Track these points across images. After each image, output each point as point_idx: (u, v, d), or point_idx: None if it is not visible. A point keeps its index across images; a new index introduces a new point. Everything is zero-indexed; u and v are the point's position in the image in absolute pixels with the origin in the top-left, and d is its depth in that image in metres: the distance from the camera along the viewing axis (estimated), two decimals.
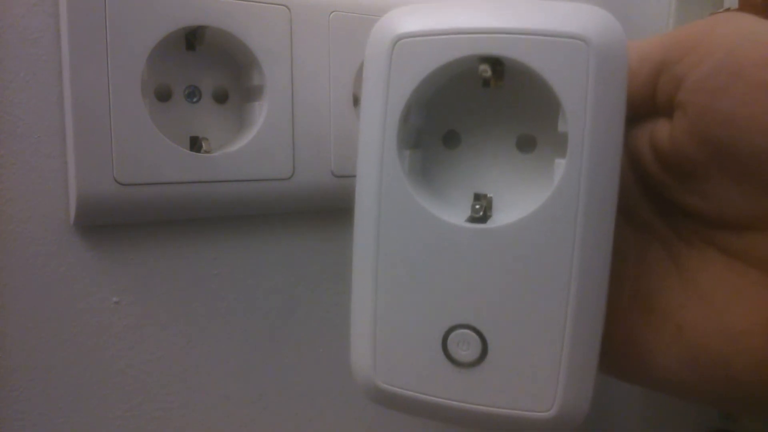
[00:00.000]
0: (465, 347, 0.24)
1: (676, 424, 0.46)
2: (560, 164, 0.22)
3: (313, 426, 0.41)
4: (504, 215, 0.24)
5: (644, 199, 0.26)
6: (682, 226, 0.25)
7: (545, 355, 0.23)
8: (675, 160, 0.23)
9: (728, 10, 0.39)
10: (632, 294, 0.25)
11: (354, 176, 0.25)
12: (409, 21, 0.23)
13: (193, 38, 0.33)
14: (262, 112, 0.34)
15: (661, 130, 0.24)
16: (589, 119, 0.22)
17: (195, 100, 0.34)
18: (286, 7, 0.34)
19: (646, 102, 0.24)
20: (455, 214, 0.24)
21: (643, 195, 0.26)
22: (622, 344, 0.25)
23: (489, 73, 0.23)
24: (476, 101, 0.25)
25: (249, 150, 0.34)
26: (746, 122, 0.21)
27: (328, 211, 0.38)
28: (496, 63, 0.23)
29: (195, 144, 0.34)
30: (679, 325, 0.24)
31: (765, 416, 0.23)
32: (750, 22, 0.22)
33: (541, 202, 0.23)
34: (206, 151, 0.34)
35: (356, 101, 0.37)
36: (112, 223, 0.33)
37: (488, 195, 0.25)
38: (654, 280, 0.25)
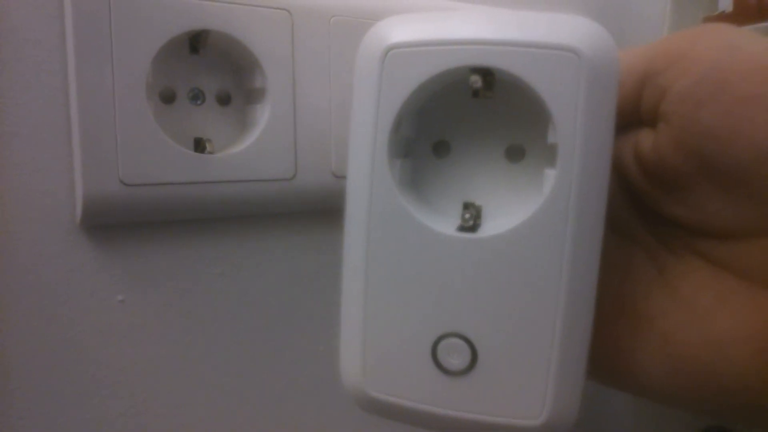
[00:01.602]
0: (455, 356, 0.24)
1: (671, 420, 0.45)
2: (550, 174, 0.22)
3: (313, 425, 0.41)
4: (493, 224, 0.24)
5: (628, 207, 0.26)
6: (666, 235, 0.25)
7: (534, 364, 0.23)
8: (658, 170, 0.23)
9: (722, 13, 0.39)
10: (617, 301, 0.25)
11: None
12: (400, 31, 0.23)
13: (196, 42, 0.33)
14: (264, 114, 0.35)
15: (645, 140, 0.24)
16: (579, 131, 0.22)
17: (199, 102, 0.35)
18: (288, 11, 0.35)
19: (631, 112, 0.24)
20: (445, 224, 0.24)
21: (627, 203, 0.26)
22: (608, 352, 0.25)
23: (480, 84, 0.23)
24: (466, 111, 0.25)
25: (252, 151, 0.35)
26: (729, 134, 0.21)
27: (329, 211, 0.38)
28: (487, 74, 0.23)
29: (199, 145, 0.34)
30: (664, 332, 0.24)
31: (751, 424, 0.23)
32: (734, 33, 0.22)
33: (531, 212, 0.23)
34: (210, 152, 0.34)
35: None
36: (118, 223, 0.34)
37: (477, 204, 0.25)
38: (638, 287, 0.25)
